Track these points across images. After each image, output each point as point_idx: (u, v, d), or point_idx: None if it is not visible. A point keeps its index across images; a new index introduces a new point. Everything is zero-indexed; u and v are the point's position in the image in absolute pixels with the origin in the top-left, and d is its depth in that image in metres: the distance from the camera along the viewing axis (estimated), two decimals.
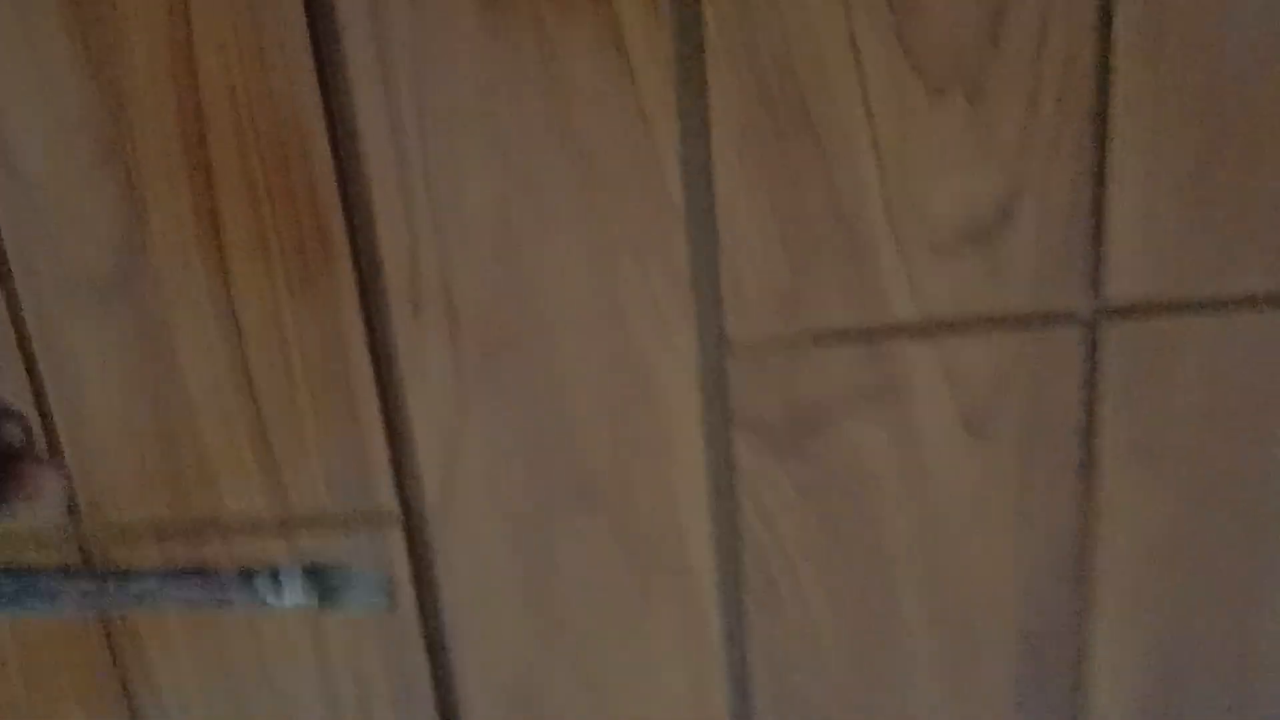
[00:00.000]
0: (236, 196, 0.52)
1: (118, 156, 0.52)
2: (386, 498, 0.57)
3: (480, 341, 0.54)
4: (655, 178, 0.51)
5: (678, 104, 0.50)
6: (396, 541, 0.58)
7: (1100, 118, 0.50)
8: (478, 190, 0.52)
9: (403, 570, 0.58)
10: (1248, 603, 0.58)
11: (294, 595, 0.39)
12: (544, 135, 0.51)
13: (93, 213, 0.53)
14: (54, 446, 0.57)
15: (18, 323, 0.55)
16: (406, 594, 0.59)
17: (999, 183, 0.51)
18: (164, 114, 0.51)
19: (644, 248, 0.52)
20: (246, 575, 0.39)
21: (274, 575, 0.39)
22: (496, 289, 0.53)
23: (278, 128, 0.51)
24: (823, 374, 0.54)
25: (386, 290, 0.53)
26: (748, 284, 0.53)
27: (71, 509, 0.58)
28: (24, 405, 0.56)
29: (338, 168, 0.52)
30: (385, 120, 0.51)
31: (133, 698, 0.62)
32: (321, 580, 0.39)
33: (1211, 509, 0.56)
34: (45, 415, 0.56)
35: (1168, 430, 0.55)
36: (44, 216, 0.53)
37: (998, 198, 0.51)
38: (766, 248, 0.52)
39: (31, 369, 0.56)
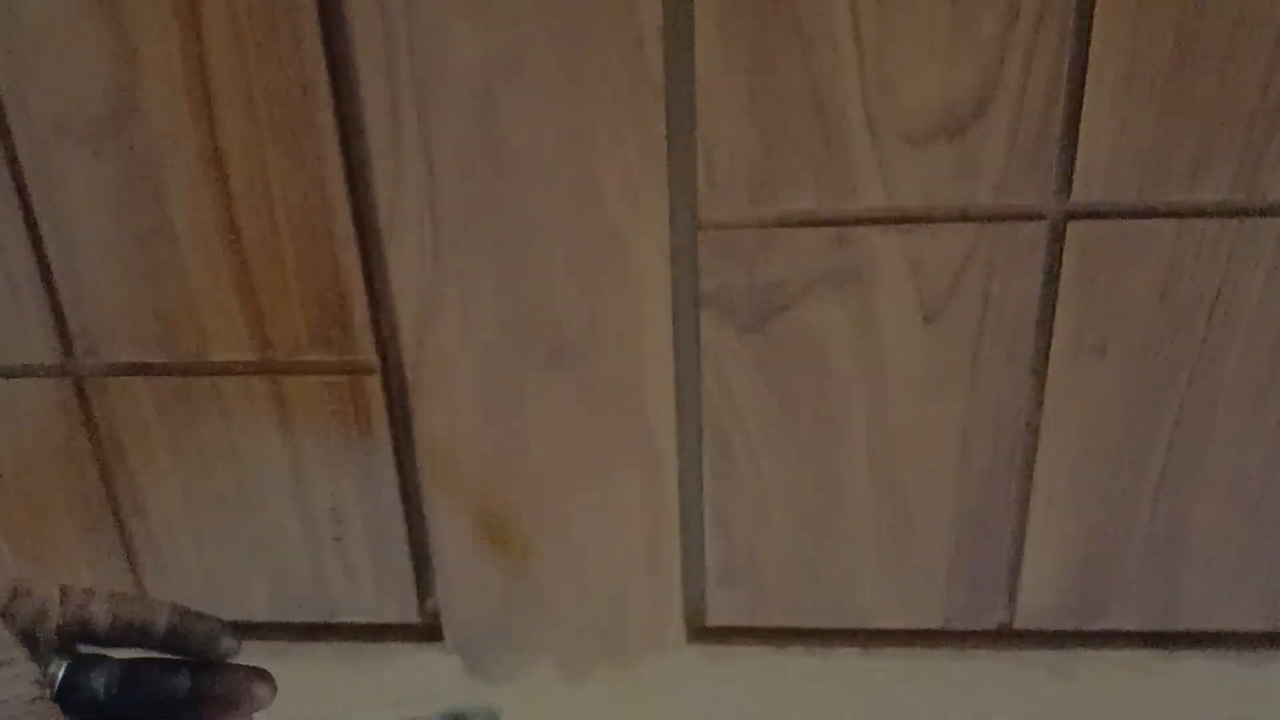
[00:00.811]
0: (223, 44, 0.53)
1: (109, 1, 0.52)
2: (365, 349, 0.60)
3: (458, 202, 0.55)
4: (637, 53, 0.52)
5: None
6: (375, 392, 0.61)
7: (1083, 17, 0.50)
8: (460, 54, 0.52)
9: (380, 420, 0.61)
10: (1180, 501, 0.61)
11: None
12: (528, 3, 0.51)
13: (85, 55, 0.54)
14: (49, 286, 0.59)
15: (12, 162, 0.56)
16: (383, 443, 0.62)
17: (976, 77, 0.51)
18: None
19: (622, 122, 0.53)
20: None
21: None
22: (475, 153, 0.54)
23: None
24: (789, 256, 0.56)
25: (368, 147, 0.55)
26: (721, 164, 0.54)
27: (66, 348, 0.61)
28: (20, 246, 0.58)
29: (323, 22, 0.52)
30: None
31: (123, 524, 0.66)
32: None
33: (1153, 408, 0.58)
34: (40, 255, 0.58)
35: (1119, 329, 0.56)
36: (38, 57, 0.54)
37: (974, 92, 0.51)
38: (742, 129, 0.53)
39: (26, 209, 0.57)
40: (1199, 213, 0.54)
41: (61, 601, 0.41)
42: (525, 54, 0.52)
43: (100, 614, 0.42)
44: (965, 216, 0.54)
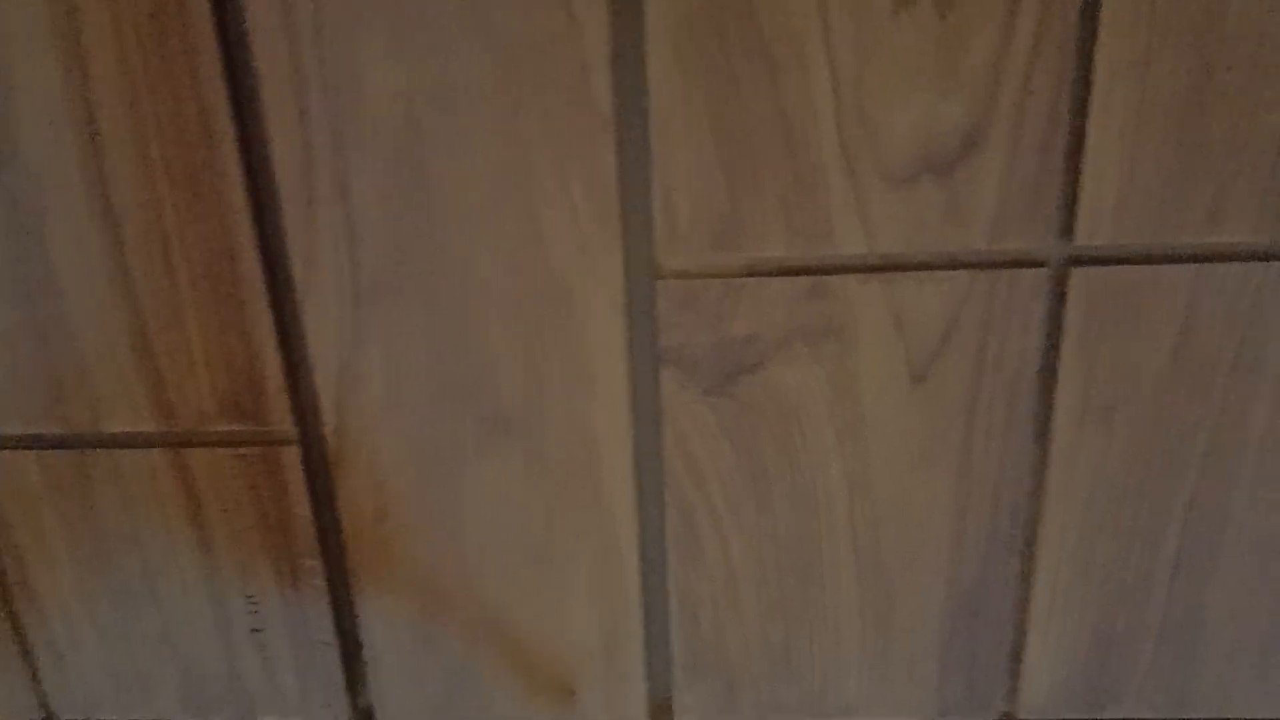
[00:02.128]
0: (108, 75, 0.46)
1: None
2: (280, 418, 0.53)
3: (382, 251, 0.49)
4: (581, 82, 0.45)
5: None
6: (293, 465, 0.54)
7: (1085, 43, 0.44)
8: (380, 87, 0.46)
9: (300, 497, 0.54)
10: (1196, 580, 0.54)
11: None
12: (455, 28, 0.45)
13: None
14: None
15: None
16: (304, 522, 0.55)
17: (967, 109, 0.45)
18: None
19: (567, 161, 0.47)
20: None
21: None
22: (400, 195, 0.48)
23: (155, 2, 0.45)
24: (758, 309, 0.49)
25: (279, 192, 0.48)
26: (681, 207, 0.48)
27: None
28: None
29: (223, 51, 0.46)
30: (274, 2, 0.45)
31: (14, 615, 0.59)
32: None
33: (1167, 478, 0.52)
34: None
35: (1130, 390, 0.50)
36: None
37: (964, 126, 0.45)
38: (704, 167, 0.47)
39: None
40: (1218, 258, 0.48)
41: None
42: (453, 84, 0.45)
43: None
44: (956, 264, 0.48)
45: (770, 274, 0.49)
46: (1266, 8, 0.43)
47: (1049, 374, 0.50)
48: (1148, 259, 0.48)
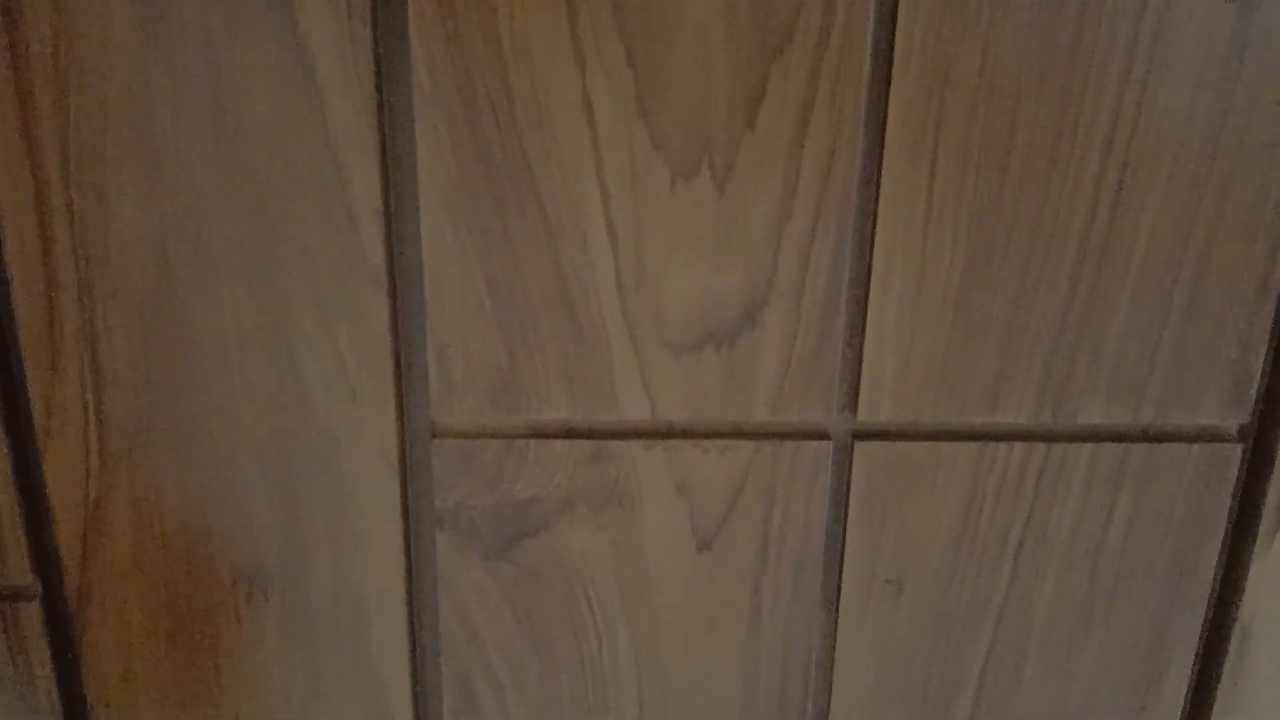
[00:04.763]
0: None
1: None
2: (19, 571, 0.48)
3: (131, 397, 0.45)
4: (349, 231, 0.43)
5: (380, 147, 0.42)
6: (33, 623, 0.49)
7: (865, 220, 0.44)
8: (129, 227, 0.43)
9: (41, 658, 0.49)
10: None
11: None
12: (209, 168, 0.42)
13: None
14: None
15: None
16: (46, 684, 0.50)
17: (746, 281, 0.44)
18: None
19: (331, 310, 0.44)
20: None
21: None
22: (150, 342, 0.44)
23: None
24: (540, 472, 0.47)
25: (19, 334, 0.44)
26: (457, 364, 0.46)
27: None
28: None
29: None
30: (17, 136, 0.41)
31: None
32: None
33: (958, 650, 0.51)
34: None
35: (918, 563, 0.49)
36: None
37: (744, 297, 0.44)
38: (480, 325, 0.45)
39: None
40: (1000, 437, 0.47)
41: None
42: (207, 225, 0.43)
43: None
44: (739, 434, 0.47)
45: (552, 436, 0.47)
46: (1041, 193, 0.43)
47: (836, 545, 0.49)
48: (932, 435, 0.47)
